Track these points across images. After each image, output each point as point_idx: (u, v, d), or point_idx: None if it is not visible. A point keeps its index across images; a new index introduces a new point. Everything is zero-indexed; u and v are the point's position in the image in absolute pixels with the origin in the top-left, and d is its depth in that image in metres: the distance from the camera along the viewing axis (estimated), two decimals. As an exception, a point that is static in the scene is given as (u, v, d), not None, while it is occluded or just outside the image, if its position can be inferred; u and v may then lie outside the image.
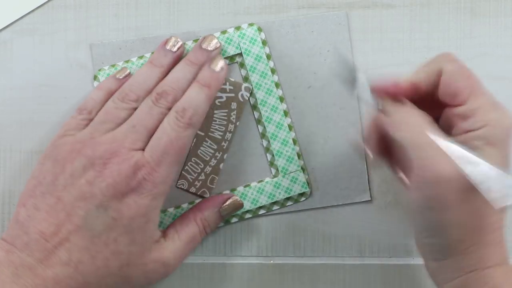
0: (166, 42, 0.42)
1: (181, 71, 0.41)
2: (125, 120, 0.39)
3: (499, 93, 0.44)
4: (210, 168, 0.44)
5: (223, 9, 0.45)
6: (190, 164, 0.44)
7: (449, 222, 0.34)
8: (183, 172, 0.45)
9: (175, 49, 0.42)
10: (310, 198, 0.45)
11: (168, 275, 0.40)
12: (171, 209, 0.44)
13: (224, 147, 0.45)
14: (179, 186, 0.45)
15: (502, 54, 0.45)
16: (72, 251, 0.36)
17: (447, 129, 0.36)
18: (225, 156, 0.45)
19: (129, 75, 0.42)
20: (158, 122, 0.39)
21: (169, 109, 0.39)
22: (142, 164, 0.37)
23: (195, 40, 0.44)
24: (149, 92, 0.40)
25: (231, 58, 0.44)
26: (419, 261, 0.38)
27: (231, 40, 0.43)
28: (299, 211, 0.45)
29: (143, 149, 0.38)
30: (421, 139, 0.34)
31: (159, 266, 0.39)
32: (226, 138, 0.45)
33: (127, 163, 0.37)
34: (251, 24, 0.44)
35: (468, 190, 0.32)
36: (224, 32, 0.44)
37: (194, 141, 0.44)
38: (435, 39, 0.45)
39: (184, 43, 0.42)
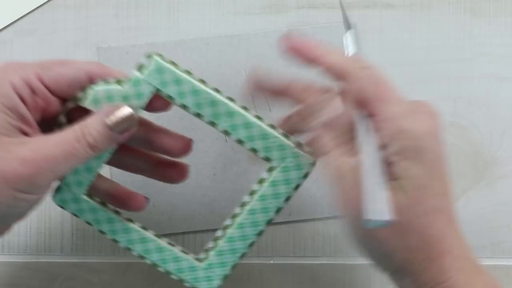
0: None
1: None
2: None
3: (499, 93, 0.45)
4: None
5: (223, 9, 0.45)
6: None
7: (387, 249, 0.33)
8: None
9: None
10: (312, 207, 0.45)
11: (31, 181, 0.33)
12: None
13: None
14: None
15: (502, 54, 0.45)
16: None
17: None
18: None
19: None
20: None
21: None
22: None
23: None
24: None
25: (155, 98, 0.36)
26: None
27: (138, 82, 0.35)
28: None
29: None
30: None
31: (16, 163, 0.33)
32: None
33: None
34: (149, 56, 0.35)
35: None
36: (129, 80, 0.36)
37: None
38: (435, 39, 0.45)
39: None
